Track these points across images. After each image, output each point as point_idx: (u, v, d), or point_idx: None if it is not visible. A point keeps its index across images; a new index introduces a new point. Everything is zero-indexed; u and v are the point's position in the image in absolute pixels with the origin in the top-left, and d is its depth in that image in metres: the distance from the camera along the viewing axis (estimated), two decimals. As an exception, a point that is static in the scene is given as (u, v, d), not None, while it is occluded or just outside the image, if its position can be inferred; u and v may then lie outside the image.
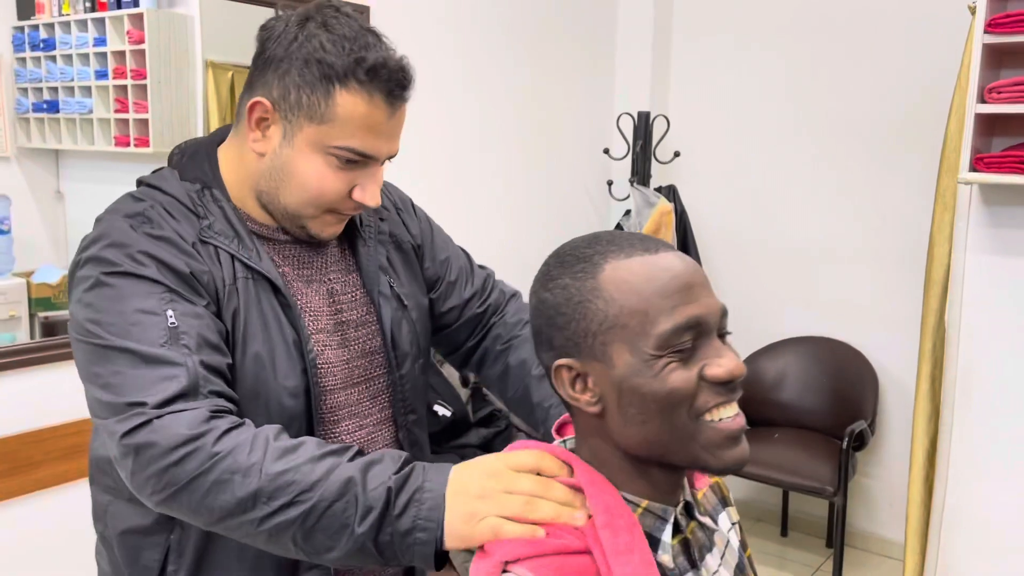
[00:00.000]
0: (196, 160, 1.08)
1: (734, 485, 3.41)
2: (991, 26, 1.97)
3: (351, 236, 1.17)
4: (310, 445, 0.89)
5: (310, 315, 1.09)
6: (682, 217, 3.29)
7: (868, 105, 3.05)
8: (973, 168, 2.03)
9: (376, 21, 2.36)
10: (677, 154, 3.39)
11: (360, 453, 0.90)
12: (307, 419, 1.06)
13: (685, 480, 0.87)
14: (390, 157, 1.06)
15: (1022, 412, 2.16)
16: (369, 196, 1.04)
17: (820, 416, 3.20)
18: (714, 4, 3.35)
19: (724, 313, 0.81)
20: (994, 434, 2.20)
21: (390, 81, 1.00)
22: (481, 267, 1.36)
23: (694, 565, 0.85)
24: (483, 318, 1.30)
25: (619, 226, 3.18)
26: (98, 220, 1.03)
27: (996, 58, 2.09)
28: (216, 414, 0.90)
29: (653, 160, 3.32)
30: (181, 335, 0.93)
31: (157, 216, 1.01)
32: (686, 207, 3.32)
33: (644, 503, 0.82)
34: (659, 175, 3.36)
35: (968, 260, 2.19)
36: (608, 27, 3.42)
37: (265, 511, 0.85)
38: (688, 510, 0.87)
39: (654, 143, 3.32)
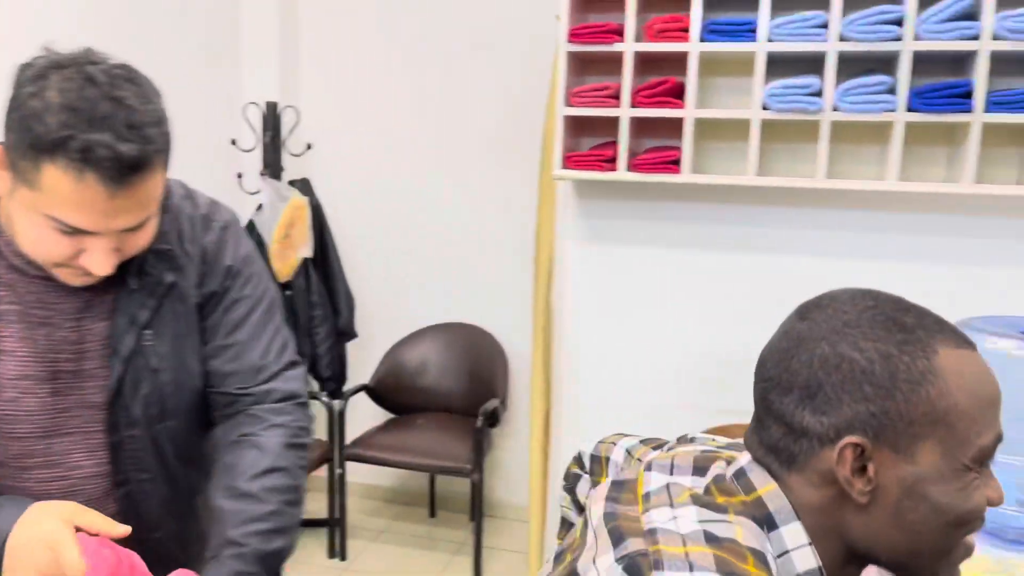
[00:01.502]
0: None
1: (381, 472, 3.47)
2: (573, 36, 2.18)
3: (122, 280, 1.06)
4: None
5: (15, 359, 1.03)
6: (317, 211, 3.25)
7: (483, 103, 3.24)
8: (565, 166, 2.24)
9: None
10: (309, 146, 3.33)
11: None
12: None
13: None
14: (129, 229, 0.96)
15: (621, 383, 2.44)
16: (96, 265, 0.96)
17: (459, 398, 3.36)
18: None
19: None
20: (599, 404, 2.46)
21: (107, 167, 0.88)
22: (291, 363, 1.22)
23: None
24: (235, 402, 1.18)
25: (251, 223, 3.05)
26: None
27: (581, 65, 2.32)
28: None
29: (285, 152, 3.24)
30: None
31: None
32: (321, 200, 3.29)
33: None
34: (292, 168, 3.28)
35: (568, 248, 2.42)
36: (231, 11, 3.26)
37: None
38: None
39: (284, 134, 3.23)
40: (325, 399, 3.19)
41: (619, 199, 2.38)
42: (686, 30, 2.12)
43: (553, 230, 2.49)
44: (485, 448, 3.04)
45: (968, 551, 0.76)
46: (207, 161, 3.19)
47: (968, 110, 1.95)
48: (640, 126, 2.28)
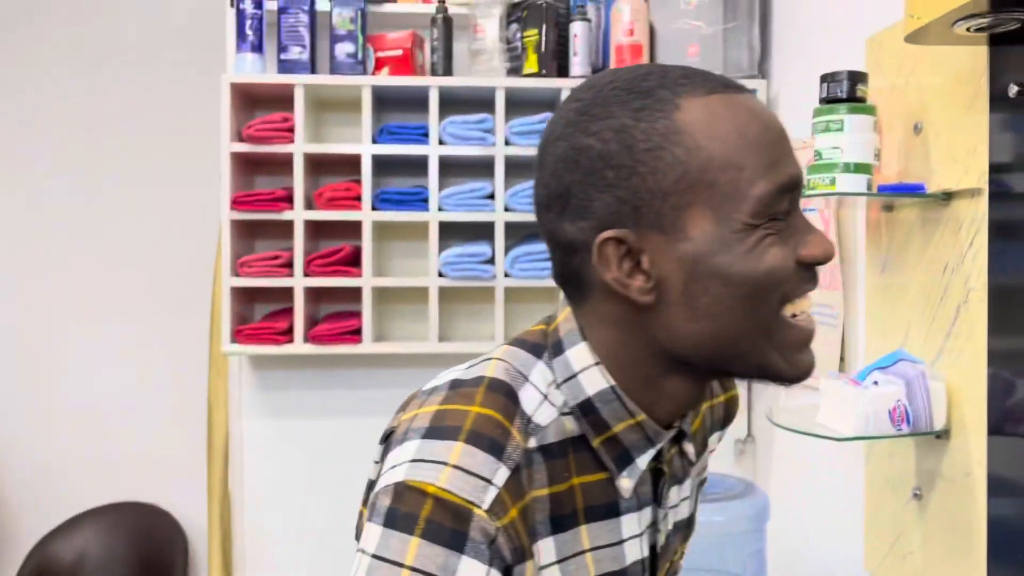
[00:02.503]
0: None
1: None
2: (237, 203, 2.04)
3: None
4: None
5: None
6: (-65, 390, 2.70)
7: (141, 261, 2.93)
8: (235, 339, 2.05)
9: None
10: (-76, 314, 2.80)
11: None
12: None
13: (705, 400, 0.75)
14: None
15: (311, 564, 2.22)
16: None
17: (129, 593, 2.90)
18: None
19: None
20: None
21: None
22: None
23: (657, 499, 0.71)
24: None
25: None
26: None
27: (248, 229, 2.17)
28: None
29: None
30: None
31: None
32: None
33: (641, 416, 0.67)
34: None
35: (244, 425, 2.20)
36: None
37: None
38: (679, 437, 0.73)
39: None
40: (-54, 624, 2.58)
41: (296, 369, 2.22)
42: (358, 198, 2.07)
43: (226, 405, 2.26)
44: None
45: (803, 332, 0.65)
46: None
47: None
48: (317, 293, 2.17)
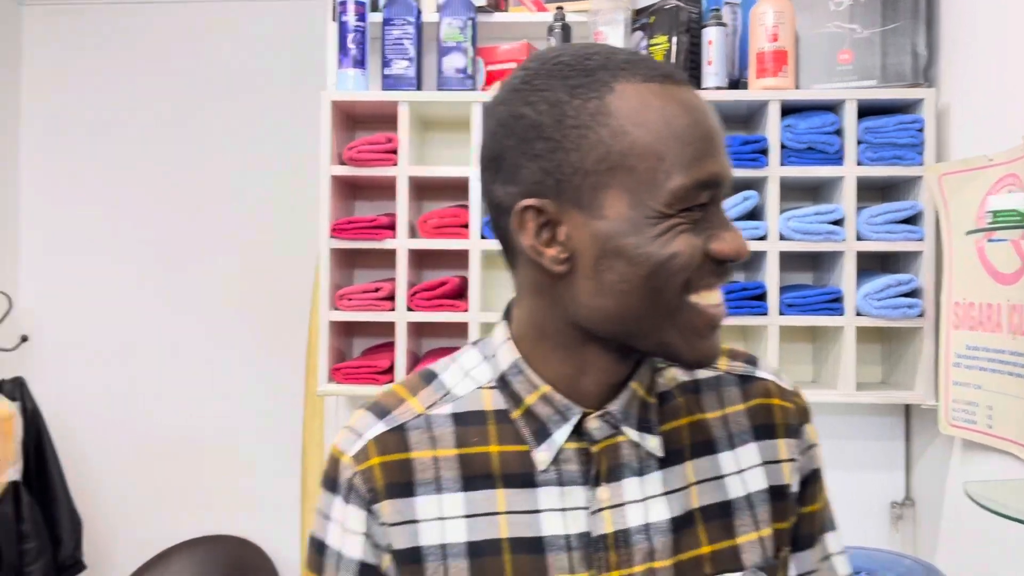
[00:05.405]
0: None
1: None
2: (337, 231, 1.89)
3: None
4: None
5: None
6: (34, 418, 2.65)
7: (239, 296, 2.81)
8: (332, 379, 1.89)
9: None
10: (24, 339, 2.76)
11: None
12: None
13: (639, 382, 0.72)
14: None
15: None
16: None
17: (219, 632, 2.78)
18: (64, 170, 2.86)
19: (731, 181, 0.67)
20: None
21: None
22: None
23: (591, 481, 0.71)
24: None
25: (-64, 440, 2.41)
26: None
27: (347, 258, 2.02)
28: None
29: (-9, 348, 2.65)
30: None
31: None
32: (40, 404, 2.69)
33: (545, 389, 0.71)
34: (1, 365, 2.68)
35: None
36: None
37: None
38: (615, 421, 0.72)
39: (-9, 327, 2.65)
40: (38, 659, 2.50)
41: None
42: (466, 225, 1.89)
43: (321, 445, 2.11)
44: None
45: (706, 316, 0.66)
46: None
47: (764, 312, 1.84)
48: (419, 327, 2.00)
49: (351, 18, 1.89)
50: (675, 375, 0.77)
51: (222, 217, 2.81)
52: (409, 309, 1.88)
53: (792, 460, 0.77)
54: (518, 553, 0.70)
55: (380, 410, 0.75)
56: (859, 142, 1.83)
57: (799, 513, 0.78)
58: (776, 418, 0.77)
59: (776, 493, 0.76)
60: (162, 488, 2.90)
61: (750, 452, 0.76)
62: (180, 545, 2.89)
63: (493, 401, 0.73)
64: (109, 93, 2.83)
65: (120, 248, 2.86)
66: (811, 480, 0.79)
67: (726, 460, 0.76)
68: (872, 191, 1.98)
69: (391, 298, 1.89)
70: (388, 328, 1.92)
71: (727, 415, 0.77)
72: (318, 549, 0.75)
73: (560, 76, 0.64)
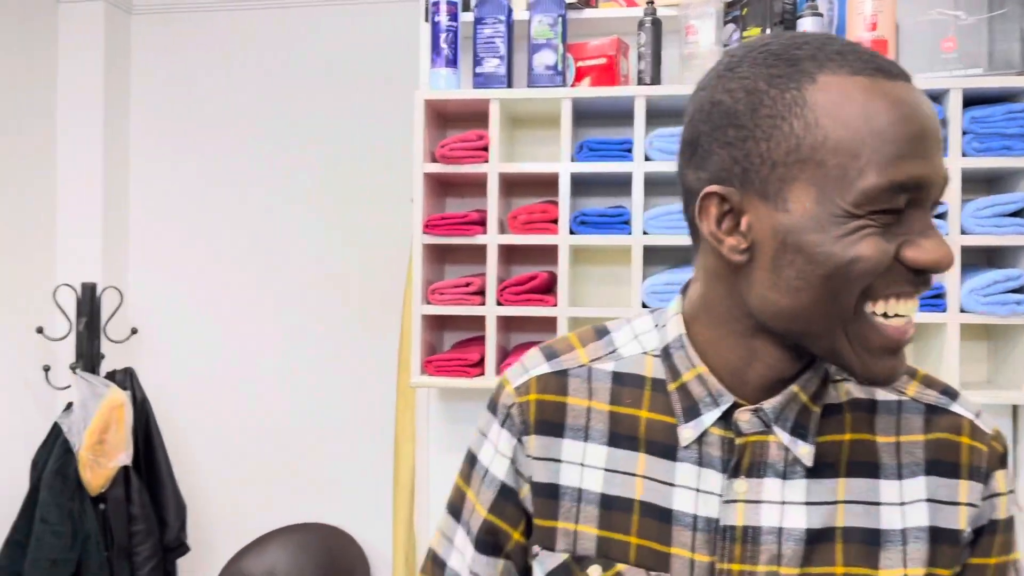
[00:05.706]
0: None
1: None
2: (430, 227, 1.93)
3: None
4: None
5: None
6: (142, 406, 2.79)
7: (336, 289, 2.90)
8: (424, 371, 1.93)
9: None
10: (134, 331, 2.91)
11: None
12: None
13: (802, 387, 0.69)
14: None
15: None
16: None
17: (313, 615, 2.88)
18: (170, 169, 3.00)
19: (946, 184, 0.62)
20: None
21: None
22: None
23: (731, 471, 0.70)
24: None
25: (56, 427, 2.57)
26: None
27: (439, 253, 2.06)
28: None
29: (104, 339, 2.80)
30: None
31: None
32: (147, 393, 2.83)
33: (701, 369, 0.71)
34: (113, 356, 2.83)
35: (431, 460, 2.09)
36: (47, 182, 2.86)
37: None
38: (767, 420, 0.70)
39: (104, 319, 2.80)
40: (146, 635, 2.64)
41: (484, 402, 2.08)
42: (555, 220, 1.90)
43: (413, 438, 2.16)
44: None
45: (883, 336, 0.62)
46: (8, 353, 2.71)
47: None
48: (508, 321, 2.03)
49: (443, 18, 1.92)
50: (849, 389, 0.74)
51: (320, 213, 2.91)
52: (499, 303, 1.91)
53: (972, 505, 0.72)
54: (647, 516, 0.73)
55: (550, 352, 0.80)
56: (964, 132, 1.77)
57: (967, 563, 0.73)
58: (962, 458, 0.72)
59: (939, 535, 0.71)
60: (260, 476, 3.01)
61: (918, 486, 0.72)
62: (276, 531, 2.99)
63: (654, 369, 0.75)
64: (212, 95, 2.96)
65: (222, 244, 2.98)
66: (988, 531, 0.73)
67: (888, 488, 0.71)
68: (978, 183, 1.91)
69: (481, 293, 1.92)
70: (478, 322, 1.95)
71: (900, 443, 0.73)
72: (470, 461, 0.82)
73: (764, 64, 0.63)
